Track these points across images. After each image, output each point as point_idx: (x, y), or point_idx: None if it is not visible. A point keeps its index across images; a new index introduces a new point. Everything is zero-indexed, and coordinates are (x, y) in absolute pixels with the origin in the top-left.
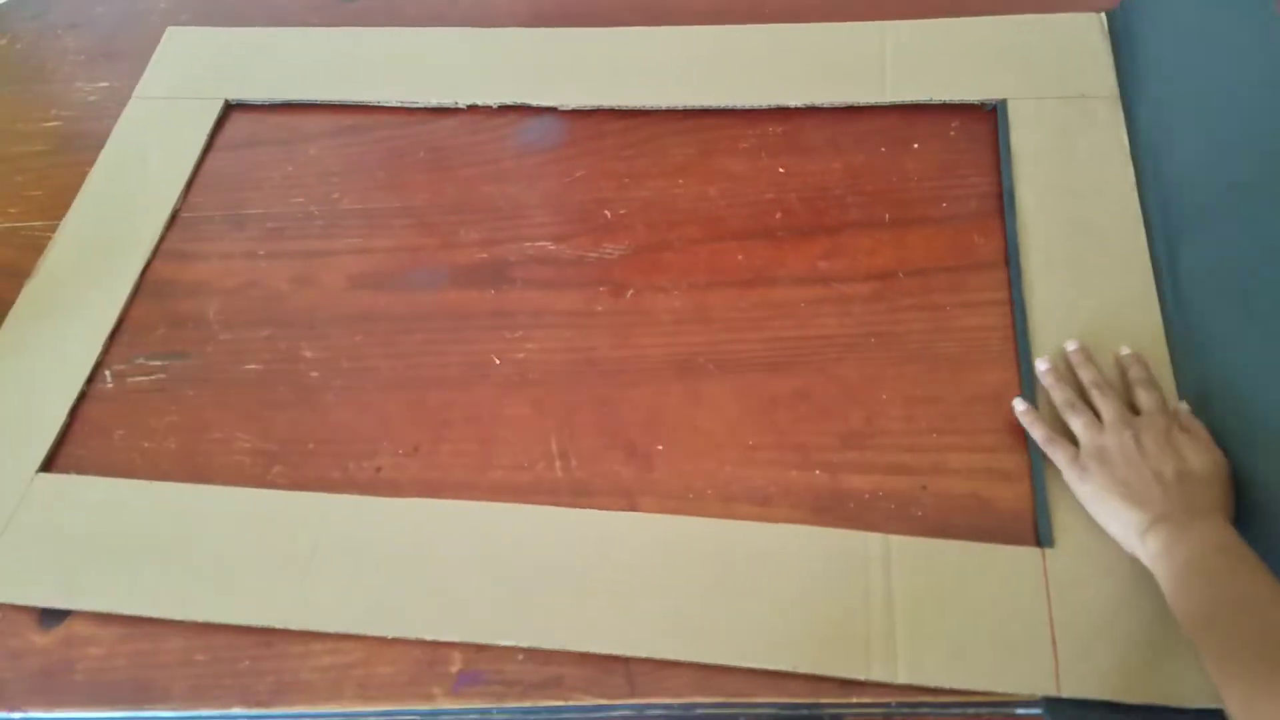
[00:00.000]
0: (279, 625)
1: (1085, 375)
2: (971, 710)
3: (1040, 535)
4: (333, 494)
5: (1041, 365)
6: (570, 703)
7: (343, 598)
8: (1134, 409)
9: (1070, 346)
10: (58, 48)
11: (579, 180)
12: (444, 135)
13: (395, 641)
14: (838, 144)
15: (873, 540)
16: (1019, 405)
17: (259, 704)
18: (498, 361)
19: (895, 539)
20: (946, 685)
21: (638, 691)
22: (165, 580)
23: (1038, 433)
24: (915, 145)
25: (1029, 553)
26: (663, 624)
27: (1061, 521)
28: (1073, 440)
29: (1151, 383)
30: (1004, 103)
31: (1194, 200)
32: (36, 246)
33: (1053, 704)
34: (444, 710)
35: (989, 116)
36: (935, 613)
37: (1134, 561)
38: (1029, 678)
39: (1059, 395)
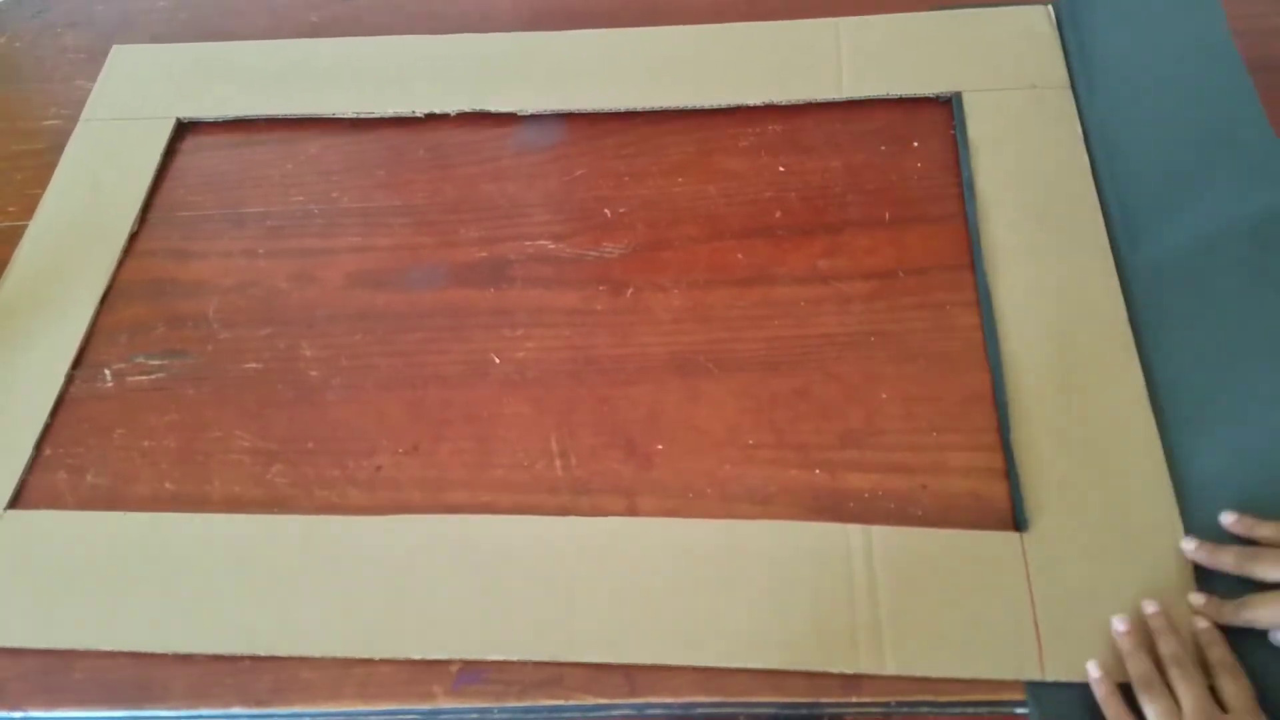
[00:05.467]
0: (264, 653)
1: (1164, 648)
2: (971, 710)
3: (1017, 519)
4: (315, 515)
5: (1120, 626)
6: (570, 702)
7: (329, 621)
8: (1217, 699)
9: (1149, 609)
10: (58, 46)
11: (578, 179)
12: (444, 134)
13: None
14: (838, 142)
15: (854, 532)
16: (1093, 672)
17: (259, 703)
18: (497, 360)
19: (876, 529)
20: (933, 674)
21: (638, 691)
22: (145, 613)
23: (1110, 710)
24: (915, 144)
25: (1006, 537)
26: (652, 628)
27: (1037, 503)
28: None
29: (1237, 669)
30: (958, 95)
31: (1147, 186)
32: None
33: (1037, 688)
34: (444, 709)
35: None
36: (918, 601)
37: (1113, 541)
38: (1013, 662)
39: (1135, 667)
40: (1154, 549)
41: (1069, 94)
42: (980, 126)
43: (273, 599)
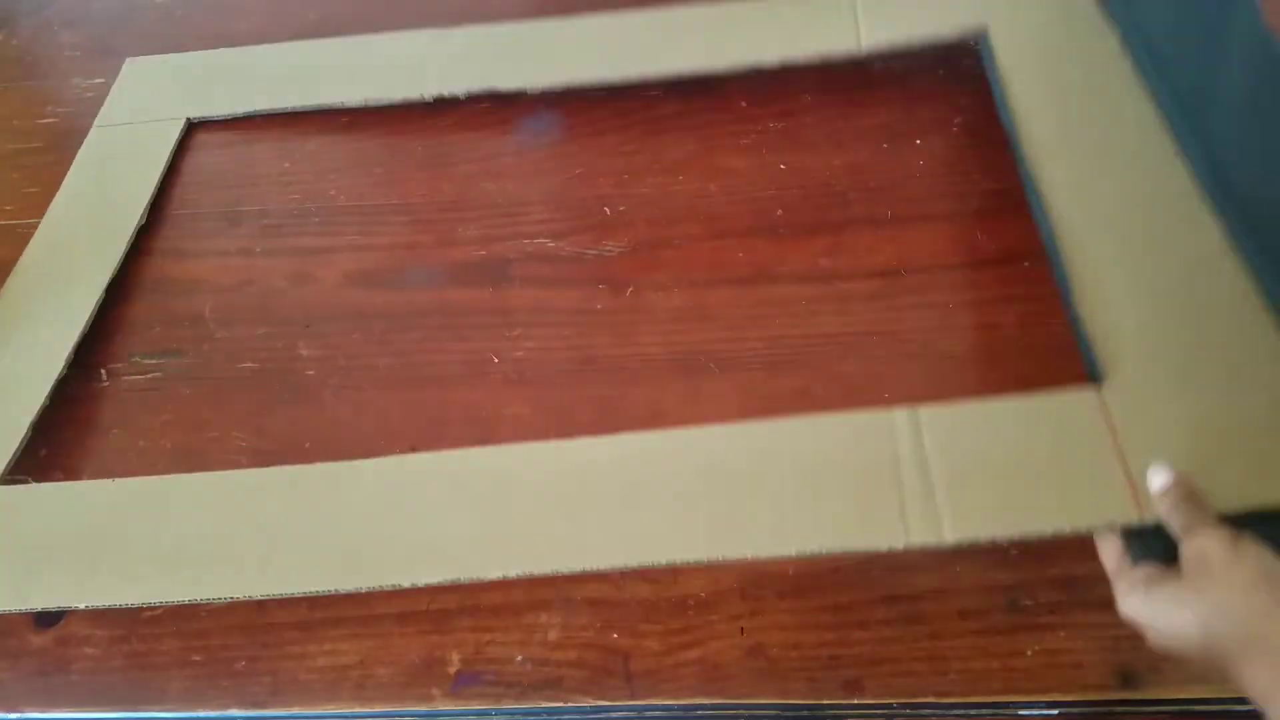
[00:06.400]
0: (244, 596)
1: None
2: (974, 712)
3: (1090, 371)
4: (300, 465)
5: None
6: (569, 704)
7: (315, 560)
8: None
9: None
10: (54, 44)
11: (578, 177)
12: (442, 132)
13: (393, 642)
14: (839, 140)
15: (898, 414)
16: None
17: (256, 705)
18: (496, 360)
19: (924, 408)
20: (1004, 534)
21: (637, 693)
22: (129, 570)
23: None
24: (918, 141)
25: (1079, 395)
26: (664, 530)
27: (1112, 354)
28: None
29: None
30: (985, 33)
31: (1191, 74)
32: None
33: (1133, 535)
34: (442, 712)
35: (990, 110)
36: (978, 471)
37: (1206, 372)
38: (1102, 508)
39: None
40: (1250, 371)
41: (1096, 9)
42: (1010, 55)
43: (258, 545)
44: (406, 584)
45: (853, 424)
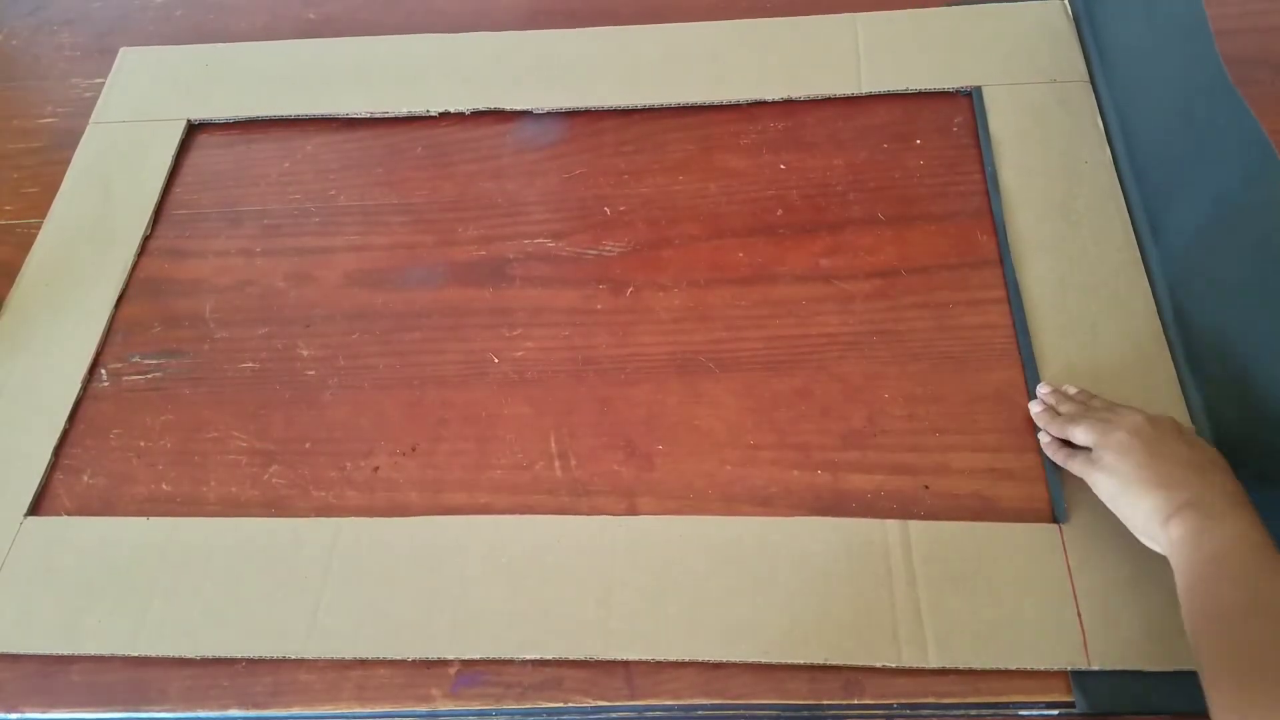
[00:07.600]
0: (293, 656)
1: (1066, 408)
2: (974, 712)
3: (1055, 511)
4: (337, 518)
5: (1035, 408)
6: (570, 704)
7: (355, 625)
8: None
9: (1042, 390)
10: (53, 44)
11: (578, 177)
12: (442, 132)
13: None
14: (839, 140)
15: (891, 527)
16: (1035, 407)
17: (256, 706)
18: (496, 360)
19: (913, 524)
20: (977, 666)
21: (637, 693)
22: (170, 618)
23: (1055, 453)
24: (918, 141)
25: (1045, 529)
26: (685, 625)
27: (1074, 497)
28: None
29: (1113, 404)
30: (978, 89)
31: (1164, 175)
32: (31, 244)
33: (1083, 678)
34: (442, 712)
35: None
36: (958, 594)
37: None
38: (1058, 652)
39: (1055, 424)
40: None
41: (1088, 88)
42: (1001, 121)
43: (300, 603)
44: (451, 657)
45: (852, 531)
